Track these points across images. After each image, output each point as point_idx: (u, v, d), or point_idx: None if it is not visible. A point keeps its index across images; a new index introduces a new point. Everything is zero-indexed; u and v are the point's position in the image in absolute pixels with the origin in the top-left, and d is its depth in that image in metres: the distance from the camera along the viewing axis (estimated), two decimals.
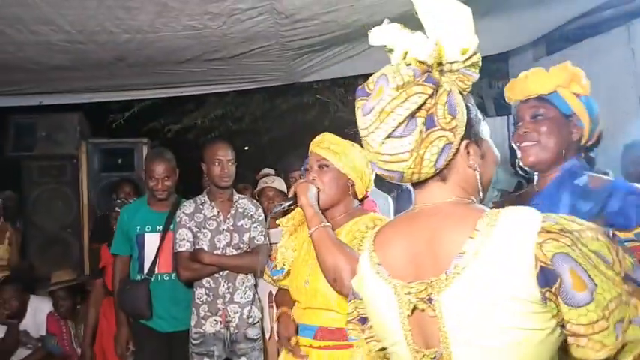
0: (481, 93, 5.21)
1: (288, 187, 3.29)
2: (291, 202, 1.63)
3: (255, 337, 2.60)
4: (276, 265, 1.76)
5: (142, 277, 2.72)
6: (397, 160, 0.88)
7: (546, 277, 0.79)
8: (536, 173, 1.39)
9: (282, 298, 1.80)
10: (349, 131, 6.80)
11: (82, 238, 4.58)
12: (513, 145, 1.40)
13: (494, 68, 4.88)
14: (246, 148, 8.40)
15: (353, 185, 1.68)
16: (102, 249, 3.26)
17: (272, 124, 6.82)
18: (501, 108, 5.00)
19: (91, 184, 4.63)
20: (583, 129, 1.36)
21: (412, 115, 0.87)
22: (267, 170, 4.59)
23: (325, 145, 1.67)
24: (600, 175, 1.37)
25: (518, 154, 1.37)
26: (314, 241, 1.53)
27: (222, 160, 2.57)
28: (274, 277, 1.80)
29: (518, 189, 4.53)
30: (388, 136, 0.87)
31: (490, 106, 5.10)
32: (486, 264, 0.82)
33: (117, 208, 3.01)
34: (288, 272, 1.74)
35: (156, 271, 2.71)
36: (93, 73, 3.59)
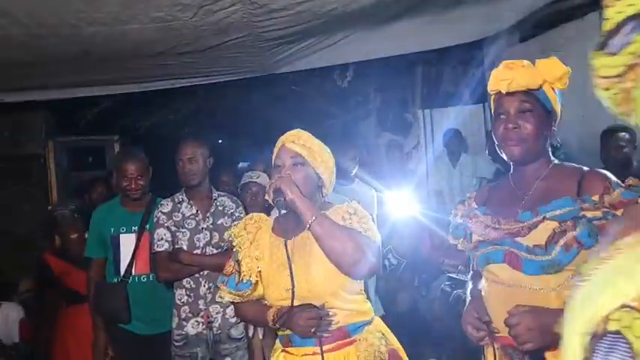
0: (456, 81, 5.22)
1: None
2: (281, 197, 1.52)
3: (239, 337, 2.54)
4: (242, 279, 1.61)
5: (119, 279, 2.63)
6: None
7: None
8: (511, 163, 1.42)
9: (248, 310, 1.67)
10: (326, 123, 6.77)
11: (54, 241, 4.42)
12: (495, 136, 1.39)
13: (469, 56, 4.89)
14: (219, 141, 8.27)
15: (322, 187, 1.64)
16: (49, 259, 3.11)
17: (246, 119, 6.71)
18: (476, 96, 5.02)
19: (61, 184, 4.47)
20: (556, 121, 1.38)
21: None
22: (243, 164, 4.53)
23: (301, 142, 1.61)
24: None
25: (502, 146, 1.37)
26: (316, 232, 1.48)
27: (184, 160, 2.49)
28: (241, 292, 1.63)
29: (497, 176, 4.56)
30: None
31: (465, 94, 5.11)
32: None
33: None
34: (256, 284, 1.62)
35: (133, 273, 2.62)
36: (57, 68, 3.43)
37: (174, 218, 2.52)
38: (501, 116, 1.36)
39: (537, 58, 1.39)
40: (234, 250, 1.68)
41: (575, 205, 1.25)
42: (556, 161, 1.39)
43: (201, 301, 2.47)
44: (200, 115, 6.35)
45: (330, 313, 1.52)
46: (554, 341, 1.17)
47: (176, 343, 2.47)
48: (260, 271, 1.62)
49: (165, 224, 2.51)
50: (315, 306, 1.52)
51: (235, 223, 2.57)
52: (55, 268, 3.10)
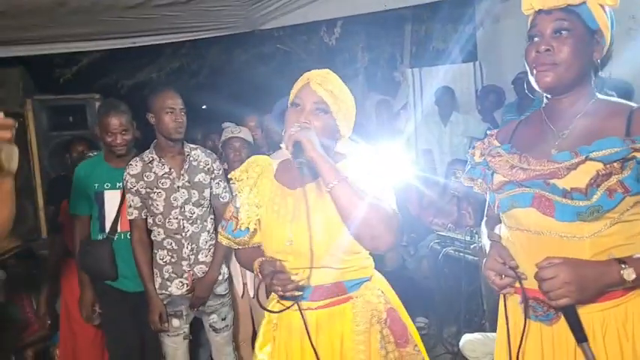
0: (446, 38, 5.12)
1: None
2: (300, 156, 1.36)
3: (223, 293, 2.52)
4: (239, 226, 1.54)
5: (104, 236, 2.57)
6: None
7: None
8: (546, 95, 1.25)
9: (250, 256, 1.57)
10: None
11: (36, 202, 4.32)
12: (526, 63, 1.21)
13: (460, 13, 4.78)
14: (203, 107, 8.11)
15: (338, 139, 1.51)
16: (62, 204, 3.03)
17: (231, 78, 6.55)
18: (467, 54, 4.94)
19: (41, 144, 4.33)
20: (604, 47, 1.20)
21: None
22: (228, 124, 4.40)
23: (329, 87, 1.45)
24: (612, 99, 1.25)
25: (533, 73, 1.20)
26: (336, 197, 1.34)
27: (175, 109, 2.37)
28: (237, 240, 1.57)
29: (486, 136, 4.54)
30: None
31: (455, 52, 5.02)
32: None
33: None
34: (254, 232, 1.56)
35: (118, 230, 2.56)
36: (31, 20, 3.27)
37: (145, 179, 2.40)
38: (535, 39, 1.19)
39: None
40: (234, 194, 1.60)
41: (623, 145, 1.10)
42: (600, 96, 1.22)
43: (184, 262, 2.42)
44: (184, 74, 6.18)
45: (294, 277, 1.41)
46: (592, 297, 1.10)
47: None
48: (259, 220, 1.54)
49: (134, 188, 2.40)
50: (283, 271, 1.42)
51: (217, 181, 2.51)
52: (62, 212, 3.03)
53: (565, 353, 1.14)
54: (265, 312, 1.57)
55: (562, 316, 1.14)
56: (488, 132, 1.42)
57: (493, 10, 4.31)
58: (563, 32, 1.16)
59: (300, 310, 1.45)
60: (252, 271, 1.54)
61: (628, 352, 1.10)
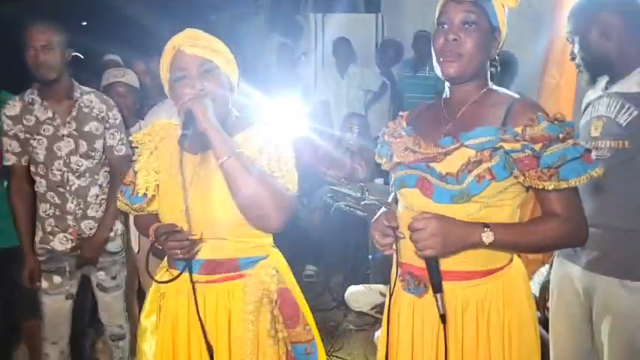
0: None
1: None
2: (190, 127, 1.28)
3: (115, 251, 2.36)
4: (137, 192, 1.46)
5: None
6: None
7: None
8: (447, 83, 1.31)
9: (147, 223, 1.49)
10: (210, 17, 6.22)
11: None
12: (433, 49, 1.26)
13: None
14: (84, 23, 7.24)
15: (232, 93, 1.43)
16: None
17: (113, 10, 5.86)
18: (370, 5, 4.91)
19: None
20: (500, 44, 1.27)
21: None
22: (112, 57, 3.97)
23: (204, 44, 1.36)
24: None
25: (439, 61, 1.25)
26: (226, 173, 1.29)
27: (36, 47, 2.07)
28: (135, 206, 1.50)
29: (383, 90, 4.63)
30: None
31: (360, 2, 4.97)
32: None
33: None
34: (152, 198, 1.48)
35: None
36: None
37: (25, 123, 2.14)
38: (444, 26, 1.24)
39: None
40: (134, 158, 1.50)
41: (496, 135, 1.19)
42: (492, 86, 1.30)
43: (69, 217, 2.22)
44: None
45: (197, 247, 1.38)
46: (453, 252, 1.19)
47: (40, 258, 2.23)
48: (158, 185, 1.46)
49: (12, 131, 2.14)
50: (180, 231, 1.37)
51: (111, 131, 2.30)
52: None
53: (431, 323, 1.28)
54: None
55: (430, 290, 1.24)
56: (400, 113, 1.47)
57: None
58: (471, 25, 1.22)
59: (191, 278, 1.41)
60: (149, 238, 1.45)
61: (483, 324, 1.26)
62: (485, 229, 1.16)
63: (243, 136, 1.42)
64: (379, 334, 2.58)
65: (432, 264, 1.20)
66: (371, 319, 3.02)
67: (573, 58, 1.71)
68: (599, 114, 1.64)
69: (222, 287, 1.43)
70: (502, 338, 1.25)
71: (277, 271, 1.49)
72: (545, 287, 1.95)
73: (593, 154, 1.18)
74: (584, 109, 1.76)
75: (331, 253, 3.65)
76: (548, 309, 1.84)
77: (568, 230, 1.20)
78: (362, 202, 3.18)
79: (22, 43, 2.12)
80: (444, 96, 1.35)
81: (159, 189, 1.47)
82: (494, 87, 1.30)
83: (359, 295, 2.96)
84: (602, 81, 1.69)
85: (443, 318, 1.21)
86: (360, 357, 2.81)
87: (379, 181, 3.63)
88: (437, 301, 1.20)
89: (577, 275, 1.67)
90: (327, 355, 2.65)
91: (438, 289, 1.20)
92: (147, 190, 1.45)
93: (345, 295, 3.02)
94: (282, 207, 1.34)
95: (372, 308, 2.91)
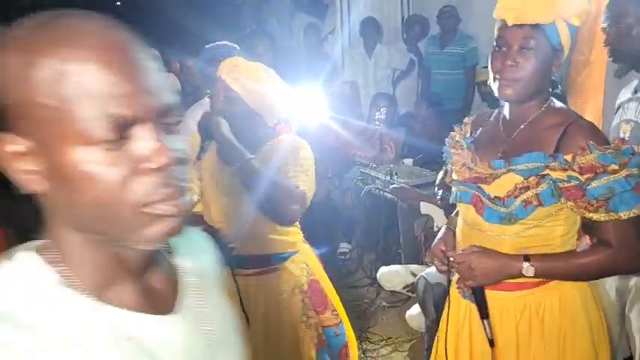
0: None
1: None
2: (205, 140, 1.57)
3: None
4: None
5: None
6: None
7: None
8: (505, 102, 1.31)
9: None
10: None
11: None
12: (490, 68, 1.26)
13: None
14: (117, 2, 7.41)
15: (261, 119, 1.61)
16: None
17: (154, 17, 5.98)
18: None
19: None
20: (562, 60, 1.25)
21: None
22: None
23: (235, 75, 1.54)
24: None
25: (495, 80, 1.25)
26: (241, 178, 1.50)
27: None
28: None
29: (410, 67, 4.63)
30: None
31: None
32: None
33: None
34: (196, 202, 1.69)
35: None
36: None
37: None
38: (502, 48, 1.23)
39: None
40: None
41: (545, 162, 1.19)
42: (552, 102, 1.28)
43: None
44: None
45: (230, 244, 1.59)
46: (493, 282, 1.27)
47: None
48: (202, 191, 1.68)
49: None
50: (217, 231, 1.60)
51: None
52: None
53: (479, 325, 1.32)
54: None
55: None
56: (465, 120, 1.49)
57: None
58: (530, 49, 1.20)
59: (233, 275, 1.60)
60: None
61: (537, 332, 1.29)
62: (526, 263, 1.20)
63: (271, 144, 1.62)
64: (411, 312, 2.74)
65: (477, 293, 1.29)
66: (403, 296, 3.16)
67: (607, 45, 1.71)
68: (627, 117, 1.66)
69: (258, 280, 1.64)
70: (557, 347, 1.28)
71: (307, 265, 1.70)
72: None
73: None
74: (617, 110, 1.76)
75: (363, 233, 3.79)
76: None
77: (617, 261, 1.20)
78: (391, 186, 3.27)
79: None
80: (502, 112, 1.34)
81: (202, 194, 1.68)
82: (554, 103, 1.29)
83: (391, 276, 3.09)
84: (633, 83, 1.69)
85: (491, 343, 1.26)
86: (394, 333, 2.97)
87: (408, 161, 3.70)
88: (484, 326, 1.27)
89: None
90: (364, 332, 2.84)
91: (484, 315, 1.27)
92: (192, 195, 1.65)
93: (378, 276, 3.16)
94: (292, 203, 1.52)
95: (404, 287, 3.04)
